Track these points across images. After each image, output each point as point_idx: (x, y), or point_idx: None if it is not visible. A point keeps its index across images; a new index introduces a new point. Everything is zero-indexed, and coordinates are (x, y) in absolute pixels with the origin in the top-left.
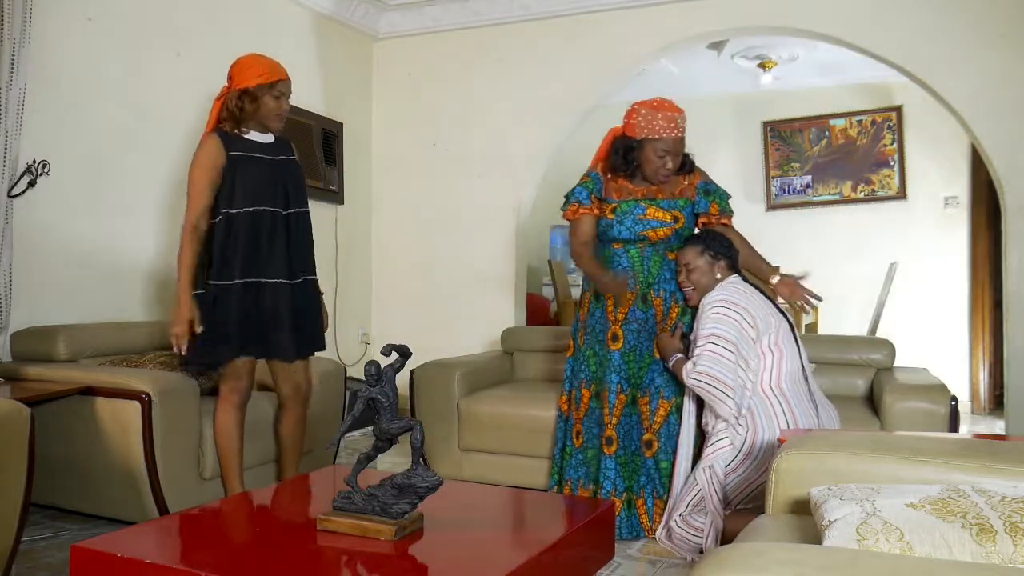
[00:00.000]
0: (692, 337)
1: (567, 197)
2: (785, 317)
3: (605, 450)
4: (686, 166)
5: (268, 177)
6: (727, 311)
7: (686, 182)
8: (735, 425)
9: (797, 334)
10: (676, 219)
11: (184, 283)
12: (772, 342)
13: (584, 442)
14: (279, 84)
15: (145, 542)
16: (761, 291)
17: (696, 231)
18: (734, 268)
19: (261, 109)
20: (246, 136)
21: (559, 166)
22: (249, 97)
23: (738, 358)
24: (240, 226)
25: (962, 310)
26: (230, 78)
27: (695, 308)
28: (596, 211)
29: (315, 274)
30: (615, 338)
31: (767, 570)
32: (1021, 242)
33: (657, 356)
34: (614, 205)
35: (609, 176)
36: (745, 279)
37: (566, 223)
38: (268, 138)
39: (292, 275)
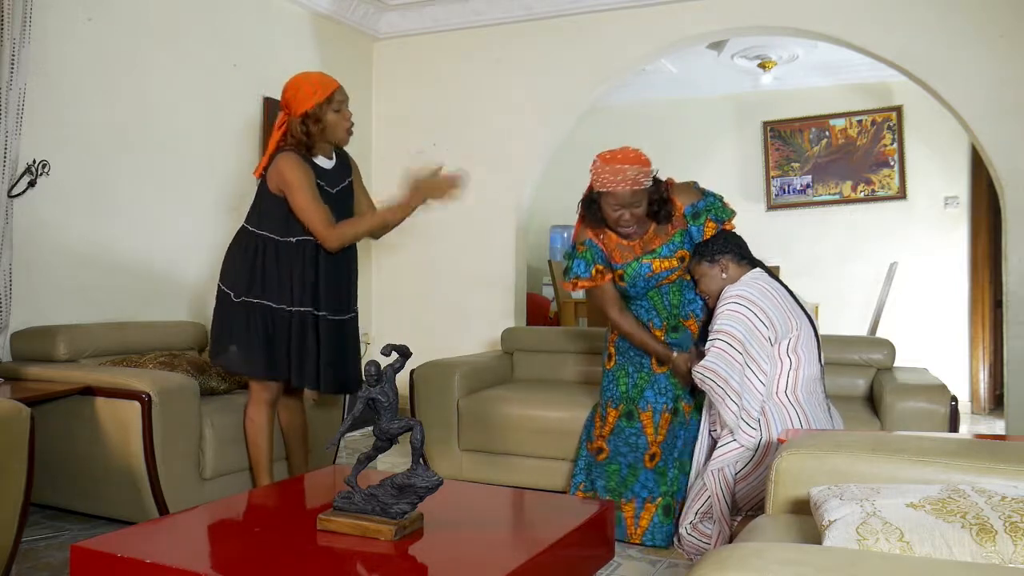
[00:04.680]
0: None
1: (566, 269)
2: (808, 318)
3: (647, 464)
4: (660, 216)
5: (334, 210)
6: (740, 308)
7: (673, 215)
8: (743, 429)
9: (819, 335)
10: (683, 259)
11: (383, 215)
12: (790, 348)
13: (609, 458)
14: (335, 95)
15: (145, 542)
16: (786, 287)
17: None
18: (746, 259)
19: (327, 128)
20: (315, 162)
21: (559, 166)
22: (312, 120)
23: (746, 359)
24: (307, 255)
25: (962, 310)
26: (285, 105)
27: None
28: (608, 278)
29: (356, 307)
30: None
31: (767, 570)
32: (1021, 242)
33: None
34: (620, 271)
35: (601, 236)
36: (770, 273)
37: (566, 223)
38: (330, 163)
39: (346, 310)
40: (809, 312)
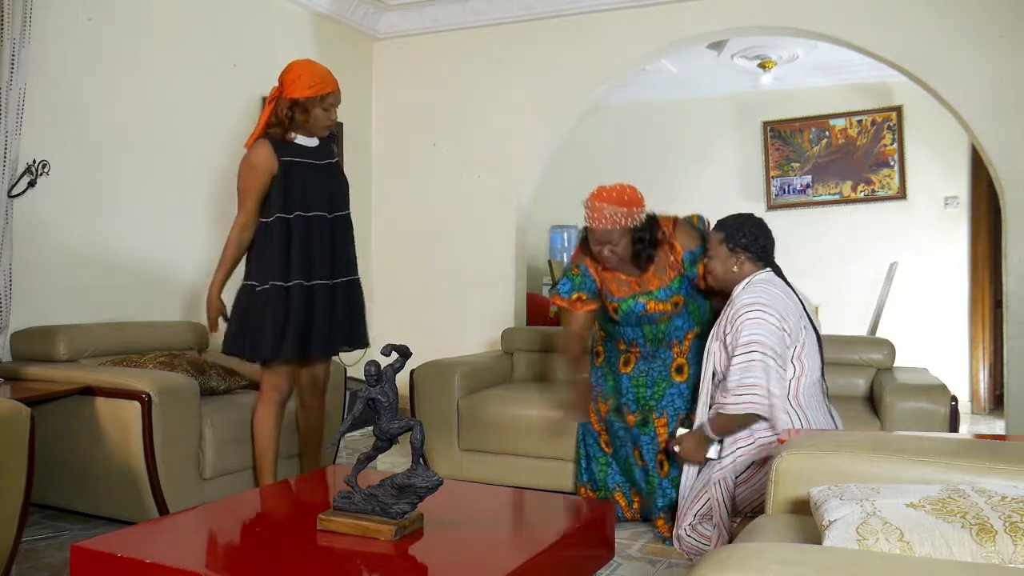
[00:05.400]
0: (718, 341)
1: (554, 283)
2: (812, 325)
3: (638, 462)
4: (642, 259)
5: (317, 183)
6: (765, 315)
7: (671, 258)
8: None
9: (821, 339)
10: (676, 304)
11: (220, 280)
12: (796, 355)
13: (616, 450)
14: (330, 96)
15: (145, 542)
16: (795, 291)
17: (725, 217)
18: (763, 260)
19: (310, 120)
20: (295, 141)
21: (559, 166)
22: (300, 108)
23: (779, 368)
24: (296, 230)
25: (962, 310)
26: (281, 83)
27: (709, 290)
28: (585, 308)
29: (357, 274)
30: (626, 362)
31: (767, 570)
32: (1021, 242)
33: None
34: (616, 304)
35: (601, 266)
36: (781, 275)
37: (566, 223)
38: (313, 142)
39: (332, 276)
40: (812, 316)
